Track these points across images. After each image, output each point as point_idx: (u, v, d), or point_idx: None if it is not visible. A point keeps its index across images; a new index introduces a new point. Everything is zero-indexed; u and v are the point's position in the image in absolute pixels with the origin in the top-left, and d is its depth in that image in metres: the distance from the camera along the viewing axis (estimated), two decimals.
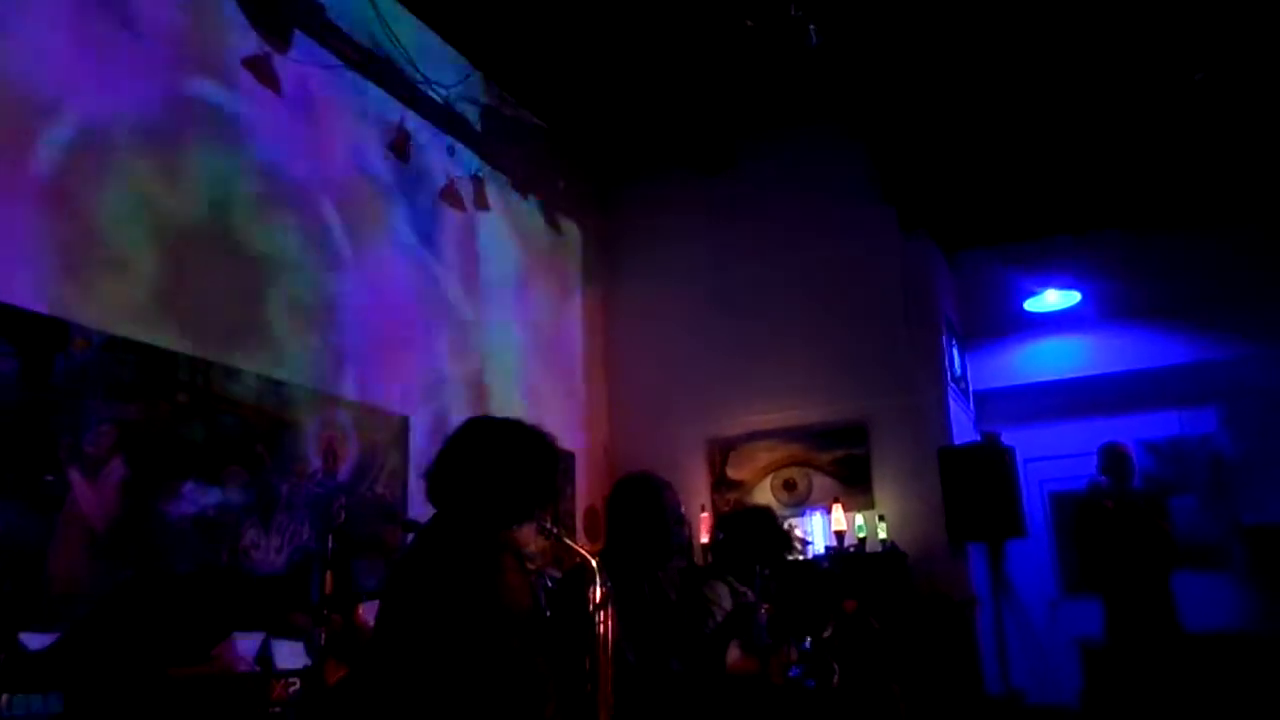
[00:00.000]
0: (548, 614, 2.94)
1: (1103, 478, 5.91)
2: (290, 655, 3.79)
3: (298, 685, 3.38)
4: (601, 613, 2.27)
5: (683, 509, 3.53)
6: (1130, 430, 6.64)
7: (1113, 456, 5.90)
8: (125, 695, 3.03)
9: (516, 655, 2.21)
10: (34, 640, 3.11)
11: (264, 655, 3.75)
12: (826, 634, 4.02)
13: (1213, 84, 5.47)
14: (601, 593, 2.29)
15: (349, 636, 3.45)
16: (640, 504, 3.35)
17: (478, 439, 2.44)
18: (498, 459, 2.37)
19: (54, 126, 3.65)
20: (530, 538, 2.50)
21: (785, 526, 4.13)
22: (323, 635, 3.41)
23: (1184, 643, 5.57)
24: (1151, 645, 5.54)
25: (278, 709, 3.32)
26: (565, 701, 2.30)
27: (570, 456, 6.63)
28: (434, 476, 2.45)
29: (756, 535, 3.81)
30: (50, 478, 3.39)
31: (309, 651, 3.79)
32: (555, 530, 2.49)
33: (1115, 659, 5.70)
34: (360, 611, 3.53)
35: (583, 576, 2.41)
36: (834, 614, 4.23)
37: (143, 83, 4.02)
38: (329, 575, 3.58)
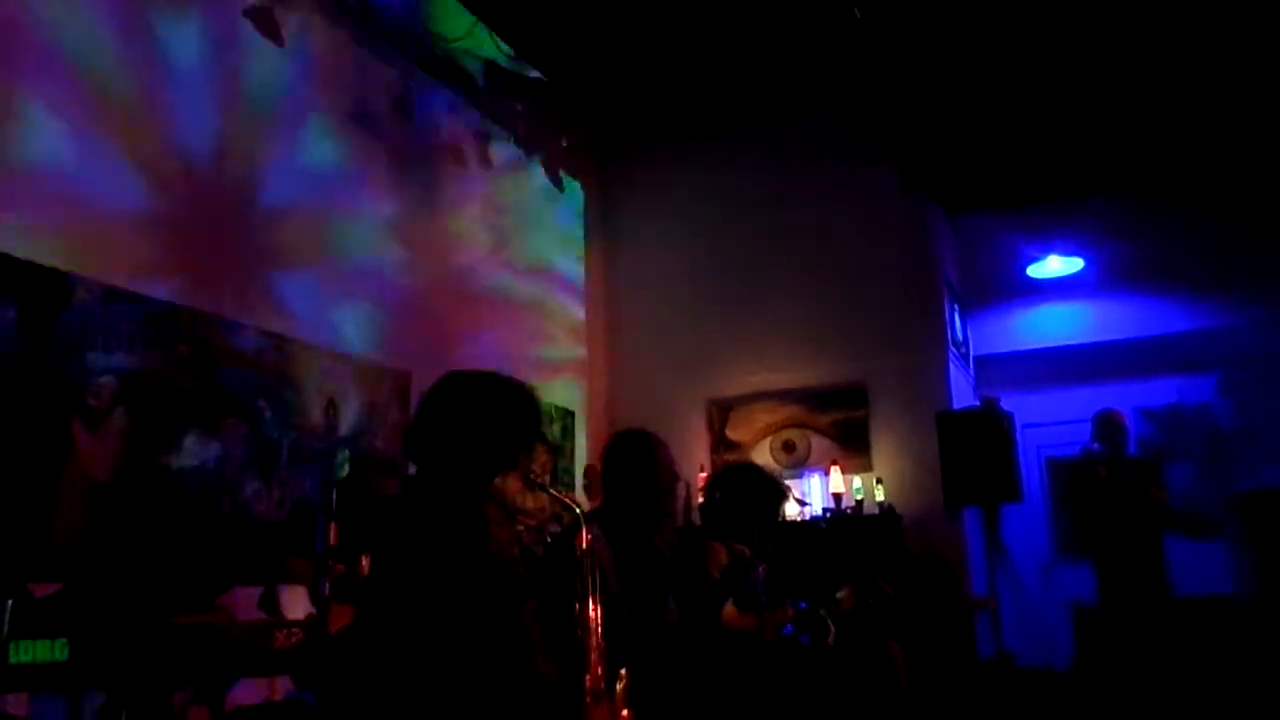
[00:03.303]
0: (547, 566, 2.96)
1: (1096, 444, 5.93)
2: (294, 603, 3.85)
3: (300, 635, 3.43)
4: (587, 560, 2.29)
5: (677, 467, 3.54)
6: (1129, 397, 6.64)
7: (1107, 424, 5.90)
8: (129, 642, 3.07)
9: (502, 606, 2.25)
10: (40, 590, 3.16)
11: (269, 602, 3.81)
12: (841, 594, 4.05)
13: (1216, 50, 5.42)
14: (587, 539, 2.31)
15: (353, 584, 3.50)
16: (634, 461, 3.36)
17: (452, 392, 2.46)
18: (472, 409, 2.40)
19: None
20: (516, 489, 2.52)
21: (775, 476, 4.12)
22: (327, 585, 3.45)
23: (1175, 607, 5.62)
24: (1142, 609, 5.59)
25: (280, 657, 3.37)
26: (560, 651, 2.33)
27: (569, 415, 6.66)
28: (411, 432, 2.49)
29: (749, 491, 3.82)
30: (53, 429, 3.42)
31: (312, 600, 3.85)
32: (540, 480, 2.50)
33: (1107, 622, 5.75)
34: (365, 561, 3.57)
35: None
36: (852, 579, 4.24)
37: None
38: (333, 526, 3.63)
